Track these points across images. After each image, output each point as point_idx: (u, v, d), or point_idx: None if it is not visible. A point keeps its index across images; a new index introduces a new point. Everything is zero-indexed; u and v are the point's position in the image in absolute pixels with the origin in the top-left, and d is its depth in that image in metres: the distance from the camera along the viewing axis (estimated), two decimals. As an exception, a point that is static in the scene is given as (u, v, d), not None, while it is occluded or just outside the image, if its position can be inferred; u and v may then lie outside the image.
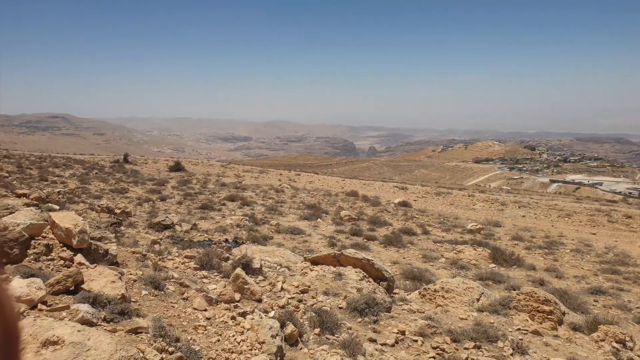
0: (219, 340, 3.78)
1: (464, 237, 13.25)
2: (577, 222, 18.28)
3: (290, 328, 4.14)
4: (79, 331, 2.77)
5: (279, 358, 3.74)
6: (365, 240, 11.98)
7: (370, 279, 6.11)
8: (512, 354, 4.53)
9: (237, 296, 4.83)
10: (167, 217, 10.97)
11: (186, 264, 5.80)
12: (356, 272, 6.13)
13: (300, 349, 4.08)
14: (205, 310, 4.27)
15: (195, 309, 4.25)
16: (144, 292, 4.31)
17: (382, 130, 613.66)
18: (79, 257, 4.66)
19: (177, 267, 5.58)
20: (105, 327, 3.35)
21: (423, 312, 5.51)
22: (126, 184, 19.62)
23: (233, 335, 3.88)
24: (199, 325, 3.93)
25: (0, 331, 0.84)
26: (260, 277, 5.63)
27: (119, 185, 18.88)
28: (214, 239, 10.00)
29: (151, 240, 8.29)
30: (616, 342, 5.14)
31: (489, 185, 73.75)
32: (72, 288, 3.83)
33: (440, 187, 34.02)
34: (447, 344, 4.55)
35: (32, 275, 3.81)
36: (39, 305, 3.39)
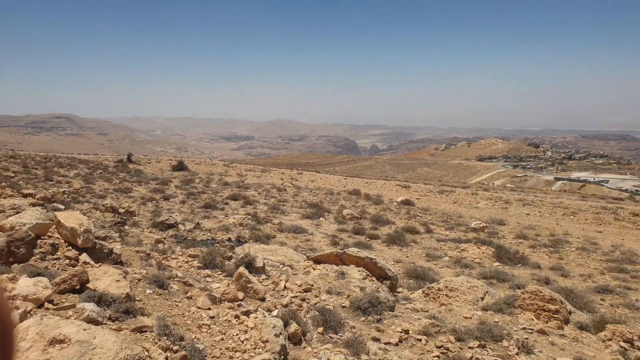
0: (222, 339, 3.79)
1: (467, 236, 13.20)
2: (582, 220, 18.17)
3: (293, 327, 4.14)
4: (85, 330, 2.78)
5: (282, 357, 3.74)
6: (368, 239, 11.97)
7: (374, 278, 6.10)
8: (517, 354, 4.51)
9: (241, 295, 4.84)
10: (170, 216, 11.01)
11: (190, 263, 5.81)
12: (359, 271, 6.13)
13: (304, 347, 4.08)
14: (209, 309, 4.28)
15: (199, 307, 4.26)
16: (148, 291, 4.32)
17: (384, 129, 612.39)
18: (84, 256, 4.69)
19: (180, 266, 5.60)
20: (110, 326, 3.37)
21: (427, 311, 5.50)
22: (130, 183, 19.70)
23: (237, 334, 3.89)
24: (203, 324, 3.94)
25: None
26: (264, 276, 5.64)
27: (123, 184, 18.97)
28: (217, 238, 10.03)
29: (155, 239, 8.32)
30: (624, 341, 5.11)
31: (493, 183, 73.45)
32: (78, 287, 3.85)
33: (443, 185, 33.92)
34: (451, 343, 4.53)
35: (39, 274, 3.83)
36: (46, 304, 3.41)
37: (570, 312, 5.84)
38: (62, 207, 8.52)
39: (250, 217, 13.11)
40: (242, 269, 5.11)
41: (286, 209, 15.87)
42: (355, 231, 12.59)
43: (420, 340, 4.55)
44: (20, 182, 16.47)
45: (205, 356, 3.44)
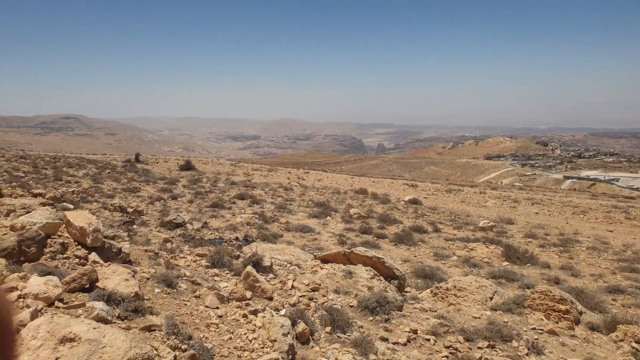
0: (231, 338, 3.79)
1: (476, 235, 13.11)
2: (592, 219, 17.93)
3: (301, 326, 4.13)
4: (94, 328, 2.80)
5: (290, 356, 3.74)
6: (375, 238, 11.93)
7: (381, 278, 6.08)
8: (527, 354, 4.46)
9: (249, 294, 4.85)
10: (178, 215, 11.07)
11: (198, 262, 5.84)
12: (367, 270, 6.11)
13: (312, 347, 4.07)
14: (217, 308, 4.29)
15: (207, 306, 4.27)
16: (156, 290, 4.35)
17: (391, 128, 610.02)
18: (93, 256, 4.73)
19: (188, 265, 5.63)
20: (119, 325, 3.39)
21: (435, 311, 5.46)
22: (138, 183, 19.86)
23: (245, 333, 3.89)
24: (211, 323, 3.95)
25: None
26: (271, 275, 5.64)
27: (131, 184, 19.13)
28: (225, 237, 10.06)
29: (163, 238, 8.37)
30: (636, 342, 5.02)
31: (501, 182, 72.84)
32: (87, 286, 3.88)
33: (451, 184, 33.71)
34: (460, 343, 4.50)
35: (49, 273, 3.87)
36: (56, 303, 3.44)
37: (581, 313, 5.76)
38: (71, 206, 8.61)
39: (257, 216, 13.14)
40: (249, 268, 5.12)
41: (293, 208, 15.88)
42: (362, 230, 12.55)
43: (428, 340, 4.52)
44: (30, 182, 16.69)
45: (214, 355, 3.45)
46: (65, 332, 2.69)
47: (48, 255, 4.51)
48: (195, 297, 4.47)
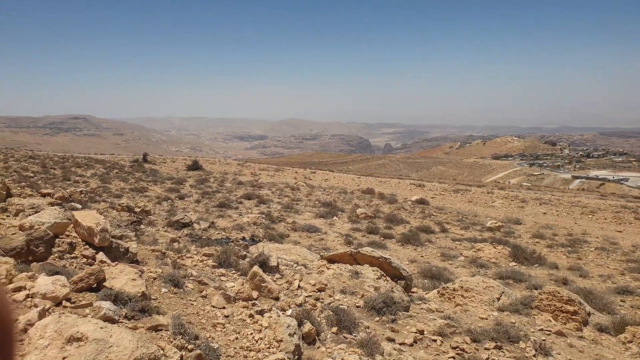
0: (237, 338, 3.80)
1: (483, 235, 13.01)
2: (601, 219, 17.71)
3: (307, 326, 4.13)
4: (101, 328, 2.82)
5: (296, 356, 3.74)
6: (382, 238, 11.89)
7: (388, 278, 6.06)
8: (534, 355, 4.42)
9: (255, 294, 4.86)
10: (185, 215, 11.13)
11: (204, 262, 5.86)
12: (373, 270, 6.09)
13: (318, 347, 4.07)
14: (224, 308, 4.30)
15: (213, 306, 4.29)
16: (163, 289, 4.37)
17: (398, 127, 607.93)
18: (101, 255, 4.77)
19: (195, 265, 5.65)
20: (126, 324, 3.41)
21: (442, 312, 5.43)
22: (145, 183, 20.01)
23: (251, 333, 3.89)
24: (218, 323, 3.97)
25: None
26: (277, 275, 5.65)
27: (139, 184, 19.27)
28: (232, 237, 10.10)
29: (170, 238, 8.42)
30: (645, 344, 4.96)
31: (509, 182, 72.26)
32: (95, 285, 3.92)
33: (458, 184, 33.51)
34: (467, 344, 4.46)
35: (57, 273, 3.91)
36: (64, 302, 3.48)
37: (589, 314, 5.69)
38: (79, 206, 8.69)
39: (264, 216, 13.17)
40: (256, 268, 5.13)
41: (300, 208, 15.89)
42: (369, 230, 12.52)
43: (435, 340, 4.50)
44: (39, 181, 16.89)
45: (220, 355, 3.46)
46: (73, 331, 2.71)
47: (56, 254, 4.56)
48: (202, 297, 4.49)
